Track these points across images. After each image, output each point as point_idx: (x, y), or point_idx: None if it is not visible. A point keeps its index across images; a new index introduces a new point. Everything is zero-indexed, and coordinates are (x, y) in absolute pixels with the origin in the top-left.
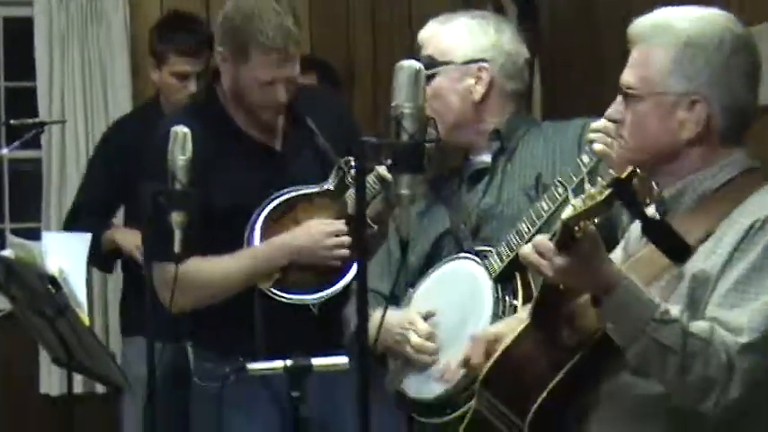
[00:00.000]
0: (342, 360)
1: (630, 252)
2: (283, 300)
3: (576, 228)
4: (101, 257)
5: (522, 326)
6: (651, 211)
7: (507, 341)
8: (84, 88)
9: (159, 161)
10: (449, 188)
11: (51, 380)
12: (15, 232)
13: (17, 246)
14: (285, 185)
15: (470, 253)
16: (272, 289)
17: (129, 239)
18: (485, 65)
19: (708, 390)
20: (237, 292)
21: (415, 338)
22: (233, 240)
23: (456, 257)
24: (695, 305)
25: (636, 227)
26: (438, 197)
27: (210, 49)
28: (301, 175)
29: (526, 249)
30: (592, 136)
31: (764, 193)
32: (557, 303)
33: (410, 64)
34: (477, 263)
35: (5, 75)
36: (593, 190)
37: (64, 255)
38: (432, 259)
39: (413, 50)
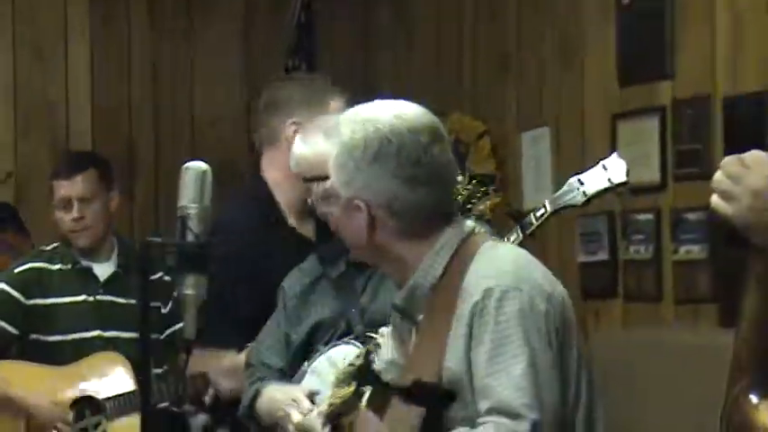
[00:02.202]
0: None
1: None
2: None
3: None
4: None
5: None
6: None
7: None
8: None
9: None
10: (337, 266)
11: None
12: None
13: None
14: None
15: (358, 339)
16: None
17: None
18: None
19: None
20: None
21: (296, 416)
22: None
23: (346, 342)
24: (468, 405)
25: None
26: (325, 274)
27: None
28: None
29: None
30: None
31: (475, 267)
32: None
33: (197, 165)
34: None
35: None
36: (339, 377)
37: None
38: (313, 337)
39: (194, 144)
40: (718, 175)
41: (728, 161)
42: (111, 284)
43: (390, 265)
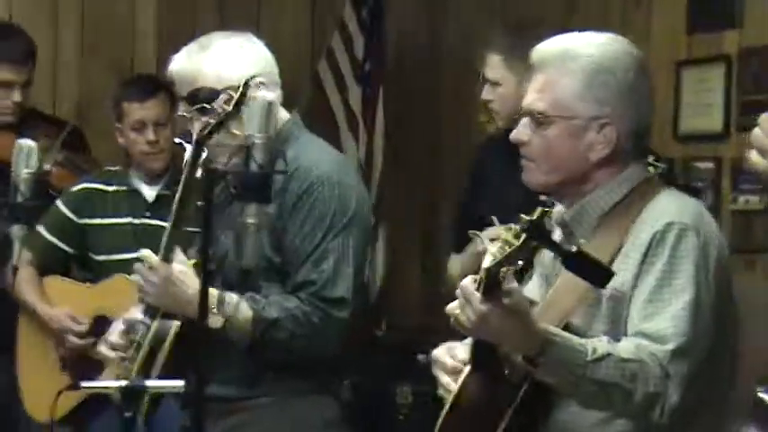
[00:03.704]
0: (178, 383)
1: (546, 272)
2: None
3: (500, 275)
4: None
5: (464, 374)
6: (558, 235)
7: (453, 393)
8: None
9: None
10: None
11: None
12: None
13: None
14: None
15: None
16: None
17: None
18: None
19: (653, 403)
20: None
21: (101, 347)
22: None
23: None
24: (617, 323)
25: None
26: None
27: (34, 60)
28: None
29: (450, 306)
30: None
31: (657, 204)
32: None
33: (262, 95)
34: None
35: None
36: (507, 235)
37: None
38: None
39: None
40: (756, 131)
41: (766, 117)
42: (157, 206)
43: (572, 193)
